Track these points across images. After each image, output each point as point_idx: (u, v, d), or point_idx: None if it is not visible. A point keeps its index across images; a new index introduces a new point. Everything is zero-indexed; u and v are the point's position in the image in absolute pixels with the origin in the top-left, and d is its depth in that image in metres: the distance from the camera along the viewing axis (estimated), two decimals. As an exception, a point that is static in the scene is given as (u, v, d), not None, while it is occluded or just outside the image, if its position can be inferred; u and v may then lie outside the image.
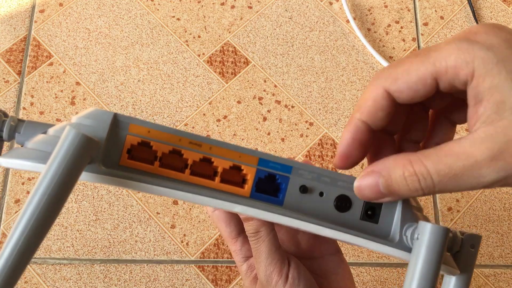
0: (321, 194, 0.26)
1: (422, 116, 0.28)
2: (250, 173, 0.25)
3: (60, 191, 0.21)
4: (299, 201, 0.26)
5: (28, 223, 0.20)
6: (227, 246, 0.38)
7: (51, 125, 0.25)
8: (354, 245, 0.27)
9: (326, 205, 0.26)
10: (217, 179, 0.25)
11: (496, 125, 0.21)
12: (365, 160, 0.27)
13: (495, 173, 0.21)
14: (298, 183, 0.26)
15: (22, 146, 0.25)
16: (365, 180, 0.25)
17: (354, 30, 0.60)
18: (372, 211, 0.26)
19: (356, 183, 0.25)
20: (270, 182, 0.26)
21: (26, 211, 0.21)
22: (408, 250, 0.25)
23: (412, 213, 0.26)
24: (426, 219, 0.27)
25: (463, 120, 0.27)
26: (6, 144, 0.52)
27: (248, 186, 0.25)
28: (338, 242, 0.38)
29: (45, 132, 0.25)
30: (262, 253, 0.32)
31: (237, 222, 0.35)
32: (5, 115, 0.25)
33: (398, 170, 0.23)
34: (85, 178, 0.23)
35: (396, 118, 0.26)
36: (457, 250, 0.29)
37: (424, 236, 0.22)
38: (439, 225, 0.22)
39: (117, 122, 0.24)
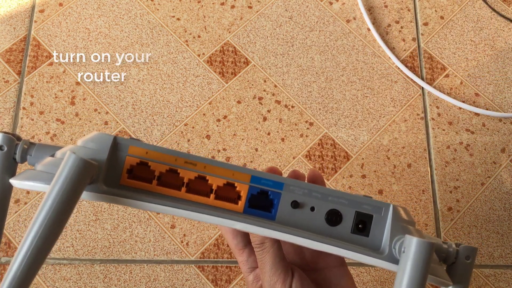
0: (312, 209, 0.27)
1: None
2: (243, 190, 0.26)
3: (62, 210, 0.22)
4: (291, 216, 0.26)
5: (34, 239, 0.22)
6: (235, 256, 0.39)
7: (59, 148, 0.27)
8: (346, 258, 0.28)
9: (317, 219, 0.27)
10: (212, 196, 0.26)
11: None
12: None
13: None
14: (290, 199, 0.26)
15: (33, 167, 0.27)
16: None
17: (372, 34, 0.61)
18: (363, 224, 0.27)
19: None
20: (262, 198, 0.27)
21: (32, 228, 0.22)
22: (397, 262, 0.25)
23: (402, 226, 0.27)
24: (419, 233, 0.27)
25: None
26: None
27: (241, 202, 0.26)
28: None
29: (53, 155, 0.26)
30: (266, 264, 0.33)
31: (244, 234, 0.36)
32: (18, 138, 0.27)
33: None
34: (87, 197, 0.25)
35: None
36: (452, 262, 0.29)
37: (410, 249, 0.23)
38: (424, 239, 0.23)
39: (117, 145, 0.25)
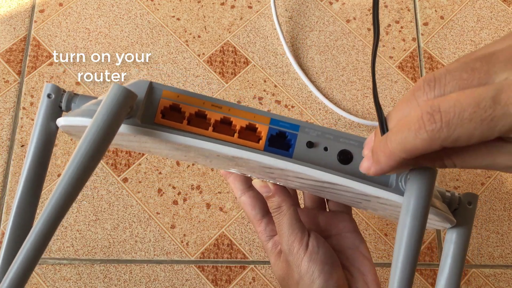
0: (325, 148, 0.29)
1: None
2: (263, 130, 0.29)
3: (105, 133, 0.25)
4: (306, 154, 0.29)
5: (80, 159, 0.24)
6: (254, 227, 0.42)
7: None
8: (355, 192, 0.30)
9: (330, 158, 0.29)
10: (236, 135, 0.29)
11: None
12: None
13: None
14: (305, 139, 0.29)
15: None
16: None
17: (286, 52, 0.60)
18: None
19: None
20: (280, 138, 0.29)
21: (79, 150, 0.24)
22: (403, 194, 0.28)
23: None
24: None
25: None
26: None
27: (262, 142, 0.29)
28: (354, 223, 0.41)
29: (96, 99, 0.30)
30: (284, 225, 0.36)
31: (262, 206, 0.39)
32: (64, 90, 0.31)
33: None
34: (125, 130, 0.27)
35: None
36: (455, 208, 0.33)
37: (415, 176, 0.25)
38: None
39: (152, 88, 0.29)
